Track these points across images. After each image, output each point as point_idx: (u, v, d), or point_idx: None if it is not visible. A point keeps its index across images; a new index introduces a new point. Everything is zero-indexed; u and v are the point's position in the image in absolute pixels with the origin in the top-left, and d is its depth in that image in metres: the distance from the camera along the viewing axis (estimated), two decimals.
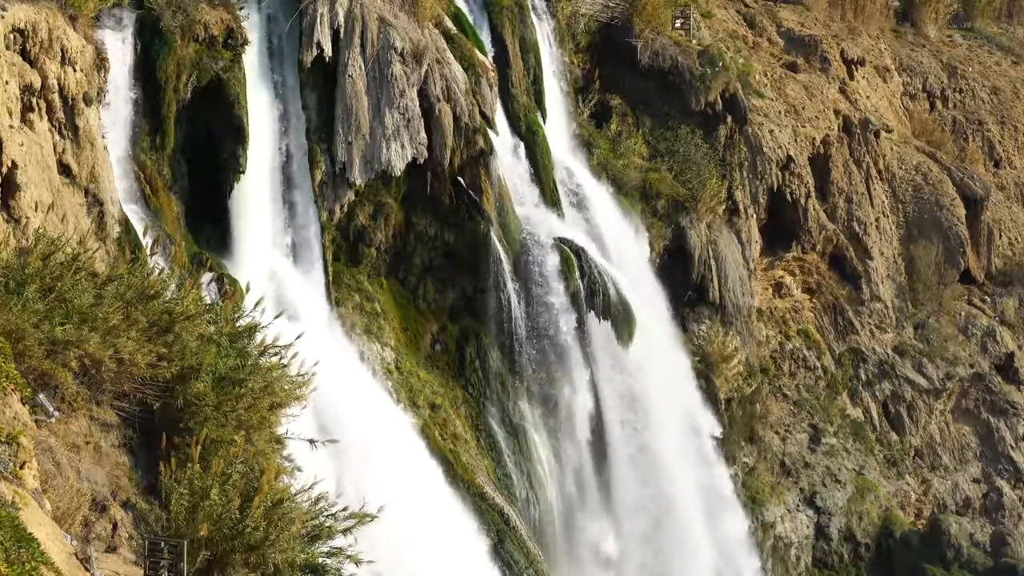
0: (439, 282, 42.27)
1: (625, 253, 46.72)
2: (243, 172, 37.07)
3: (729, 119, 51.62)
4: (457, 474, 39.35)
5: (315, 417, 29.52)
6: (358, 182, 39.61)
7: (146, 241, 30.40)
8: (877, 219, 57.78)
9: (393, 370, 40.34)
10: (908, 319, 58.23)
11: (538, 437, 43.03)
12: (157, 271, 24.88)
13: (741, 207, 51.65)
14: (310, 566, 21.40)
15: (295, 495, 21.72)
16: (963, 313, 59.74)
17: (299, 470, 23.92)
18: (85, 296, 22.00)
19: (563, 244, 43.42)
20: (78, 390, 21.69)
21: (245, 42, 37.52)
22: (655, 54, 50.39)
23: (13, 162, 28.94)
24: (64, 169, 31.65)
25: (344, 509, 22.25)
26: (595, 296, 43.49)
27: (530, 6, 46.84)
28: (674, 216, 49.04)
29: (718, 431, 48.25)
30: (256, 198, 37.85)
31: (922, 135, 62.93)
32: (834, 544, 52.79)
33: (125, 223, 33.18)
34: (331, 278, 39.45)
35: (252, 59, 38.12)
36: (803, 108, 56.18)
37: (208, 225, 37.24)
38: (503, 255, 41.75)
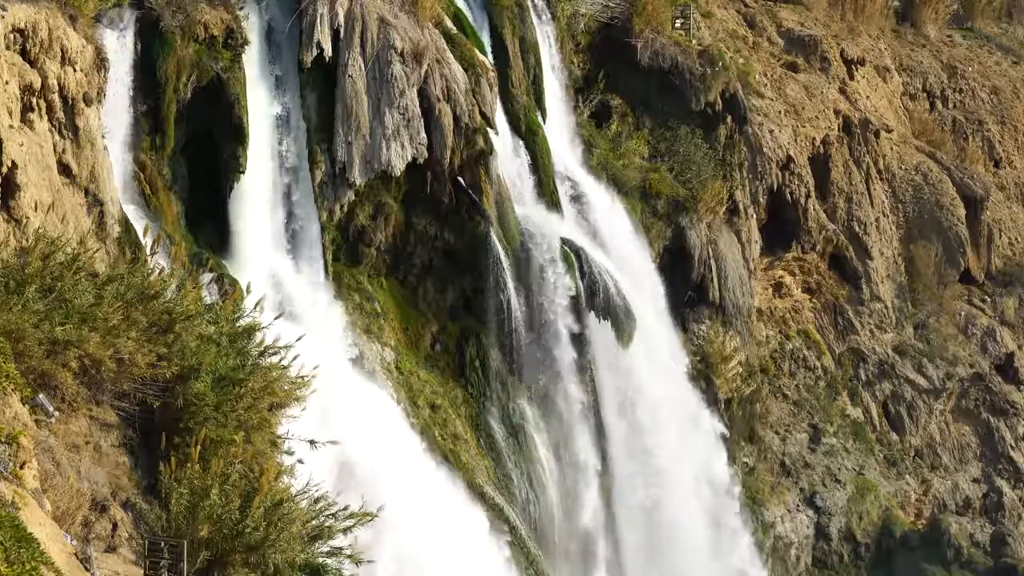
0: (439, 282, 42.24)
1: (625, 253, 46.70)
2: (243, 172, 37.06)
3: (729, 119, 51.57)
4: (457, 473, 39.36)
5: (314, 417, 29.51)
6: (358, 182, 39.59)
7: (146, 241, 30.34)
8: (877, 219, 57.76)
9: (393, 370, 40.34)
10: (908, 319, 58.21)
11: (538, 437, 43.01)
12: (157, 271, 24.86)
13: (741, 207, 51.62)
14: (310, 566, 21.41)
15: (295, 495, 21.73)
16: (963, 313, 59.71)
17: (301, 462, 23.91)
18: (85, 296, 21.99)
19: (563, 244, 43.41)
20: (78, 390, 21.69)
21: (245, 42, 37.50)
22: (655, 54, 50.35)
23: (13, 162, 28.91)
24: (64, 169, 31.63)
25: (344, 508, 22.27)
26: (595, 296, 43.48)
27: (530, 6, 46.78)
28: (674, 216, 49.02)
29: (721, 430, 48.26)
30: (256, 198, 37.82)
31: (922, 135, 62.86)
32: (834, 544, 52.77)
33: (125, 223, 33.18)
34: (331, 278, 39.45)
35: (252, 59, 38.09)
36: (803, 108, 56.15)
37: (208, 225, 37.23)
38: (503, 255, 41.73)
